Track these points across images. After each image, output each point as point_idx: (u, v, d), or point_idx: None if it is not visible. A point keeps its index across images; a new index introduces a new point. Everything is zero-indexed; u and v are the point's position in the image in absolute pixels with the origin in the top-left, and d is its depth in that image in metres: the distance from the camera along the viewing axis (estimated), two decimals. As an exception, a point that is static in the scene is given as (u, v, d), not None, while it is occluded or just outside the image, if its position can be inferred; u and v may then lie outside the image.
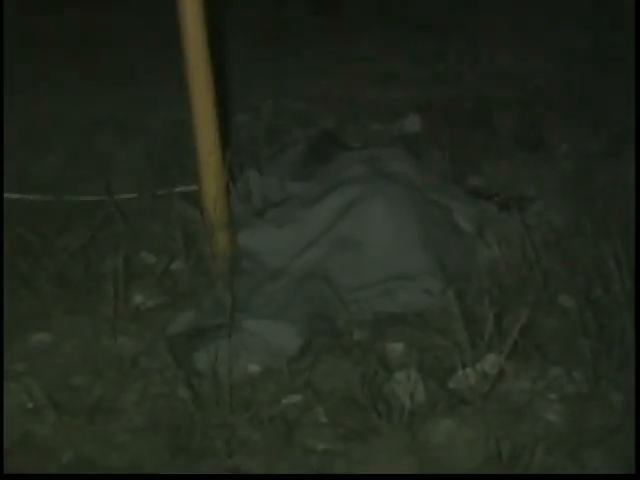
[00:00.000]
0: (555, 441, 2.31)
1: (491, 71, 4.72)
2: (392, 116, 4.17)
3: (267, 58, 5.03)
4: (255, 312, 2.79)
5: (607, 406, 2.42)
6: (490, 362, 2.53)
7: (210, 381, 2.52)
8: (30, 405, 2.50)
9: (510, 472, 2.22)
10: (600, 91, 4.29)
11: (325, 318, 2.81)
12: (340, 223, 3.04)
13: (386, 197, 3.07)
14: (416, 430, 2.36)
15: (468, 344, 2.55)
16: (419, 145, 3.80)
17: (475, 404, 2.44)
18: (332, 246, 3.00)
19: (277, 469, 2.29)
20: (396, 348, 2.68)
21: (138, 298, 2.94)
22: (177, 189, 3.52)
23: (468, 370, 2.50)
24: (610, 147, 3.77)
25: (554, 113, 4.12)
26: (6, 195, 3.50)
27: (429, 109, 4.20)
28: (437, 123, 4.01)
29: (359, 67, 4.92)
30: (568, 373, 2.52)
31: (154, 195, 3.52)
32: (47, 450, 2.37)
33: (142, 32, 5.50)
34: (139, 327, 2.82)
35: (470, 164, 3.66)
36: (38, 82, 4.75)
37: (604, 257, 2.76)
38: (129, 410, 2.50)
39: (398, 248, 2.99)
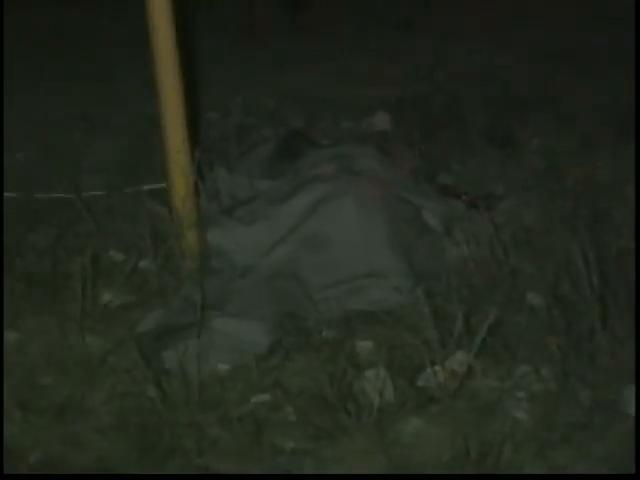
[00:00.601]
0: (523, 439, 2.32)
1: (460, 69, 4.73)
2: (362, 114, 4.17)
3: (237, 56, 5.02)
4: (224, 310, 2.78)
5: (575, 403, 2.43)
6: (459, 360, 2.53)
7: (179, 380, 2.52)
8: (-4, 405, 2.49)
9: (479, 470, 2.22)
10: (569, 89, 4.31)
11: (294, 316, 2.80)
12: (309, 221, 3.04)
13: (355, 195, 3.07)
14: (385, 428, 2.36)
15: (437, 342, 2.56)
16: (389, 143, 3.79)
17: (444, 402, 2.44)
18: (301, 244, 3.00)
19: (247, 469, 2.29)
20: (365, 346, 2.68)
21: (106, 296, 2.92)
22: (146, 187, 3.50)
23: (437, 368, 2.51)
24: (579, 144, 3.79)
25: (523, 111, 4.13)
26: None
27: (399, 107, 4.20)
28: (407, 121, 4.02)
29: (329, 65, 4.92)
30: (536, 371, 2.53)
31: (123, 193, 3.50)
32: (14, 450, 2.35)
33: (107, 29, 5.47)
34: (107, 326, 2.81)
35: (440, 162, 3.67)
36: (12, 80, 4.71)
37: (572, 255, 2.77)
38: (97, 409, 2.48)
39: (367, 246, 2.99)
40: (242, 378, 2.57)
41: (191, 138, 3.05)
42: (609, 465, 2.24)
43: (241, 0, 5.80)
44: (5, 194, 3.52)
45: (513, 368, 2.55)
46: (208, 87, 4.36)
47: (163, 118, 3.01)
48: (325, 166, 3.25)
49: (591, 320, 2.62)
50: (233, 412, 2.43)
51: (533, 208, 3.30)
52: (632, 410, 2.37)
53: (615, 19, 4.93)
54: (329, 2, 5.87)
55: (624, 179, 3.40)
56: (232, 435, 2.38)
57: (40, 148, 4.01)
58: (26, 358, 2.69)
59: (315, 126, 4.11)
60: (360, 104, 4.32)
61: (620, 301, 2.66)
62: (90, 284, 2.87)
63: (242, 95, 4.42)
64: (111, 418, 2.45)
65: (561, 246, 2.97)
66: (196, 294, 2.78)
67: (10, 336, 2.77)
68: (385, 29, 5.40)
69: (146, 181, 3.52)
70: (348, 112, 4.24)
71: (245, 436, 2.37)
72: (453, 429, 2.35)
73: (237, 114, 4.19)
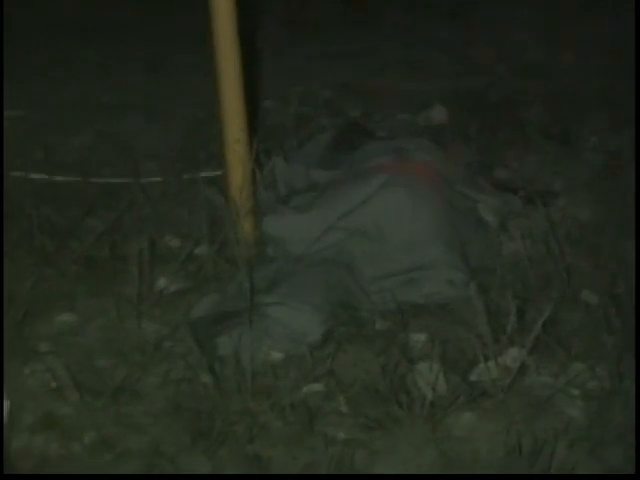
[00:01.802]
0: (576, 437, 2.31)
1: (520, 63, 4.69)
2: (419, 106, 4.16)
3: (294, 45, 5.03)
4: (278, 298, 2.79)
5: (630, 403, 2.41)
6: (512, 356, 2.52)
7: (232, 367, 2.53)
8: (54, 385, 2.52)
9: (531, 467, 2.22)
10: (630, 86, 4.26)
11: (348, 307, 2.80)
12: (364, 211, 3.03)
13: (410, 187, 3.06)
14: (437, 422, 2.36)
15: (490, 337, 2.55)
16: (445, 136, 3.78)
17: (496, 397, 2.44)
18: (355, 234, 3.00)
19: (297, 457, 2.30)
20: (418, 339, 2.68)
21: (162, 282, 2.94)
22: (203, 174, 3.52)
23: (490, 363, 2.50)
24: (636, 142, 3.75)
25: (582, 107, 4.10)
26: (33, 175, 3.52)
27: (456, 100, 4.18)
28: (464, 114, 4.00)
29: (386, 56, 4.91)
30: (591, 369, 2.51)
31: (180, 179, 3.53)
32: (69, 430, 2.39)
33: (166, 20, 5.50)
34: (163, 311, 2.83)
35: (496, 157, 3.65)
36: (59, 66, 4.76)
37: (628, 254, 2.75)
38: (151, 393, 2.51)
39: (421, 238, 2.98)
40: (295, 367, 2.58)
41: (249, 127, 3.07)
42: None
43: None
44: (62, 178, 3.56)
45: (567, 365, 2.53)
46: (265, 77, 4.37)
47: (222, 107, 3.03)
48: (381, 158, 3.25)
49: (646, 320, 2.61)
50: (285, 400, 2.44)
51: (590, 206, 3.28)
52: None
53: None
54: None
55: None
56: (284, 423, 2.39)
57: (96, 133, 4.05)
58: (83, 340, 2.72)
59: (371, 118, 4.10)
60: (416, 96, 4.31)
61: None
62: (147, 269, 2.89)
63: (298, 85, 4.43)
64: (165, 403, 2.47)
65: (617, 245, 2.95)
66: (250, 282, 2.81)
67: (67, 318, 2.81)
68: (442, 21, 5.37)
69: (203, 168, 3.54)
70: (404, 104, 4.23)
71: (297, 425, 2.38)
72: (505, 425, 2.35)
73: (294, 104, 4.20)
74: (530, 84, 4.37)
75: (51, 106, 4.26)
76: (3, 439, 2.37)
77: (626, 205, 3.18)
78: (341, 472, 2.24)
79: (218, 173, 3.30)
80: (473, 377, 2.51)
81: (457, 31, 5.16)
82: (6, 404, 2.41)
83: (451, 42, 5.03)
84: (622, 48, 4.70)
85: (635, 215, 3.02)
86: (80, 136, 4.01)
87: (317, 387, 2.50)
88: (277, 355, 2.62)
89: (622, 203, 3.22)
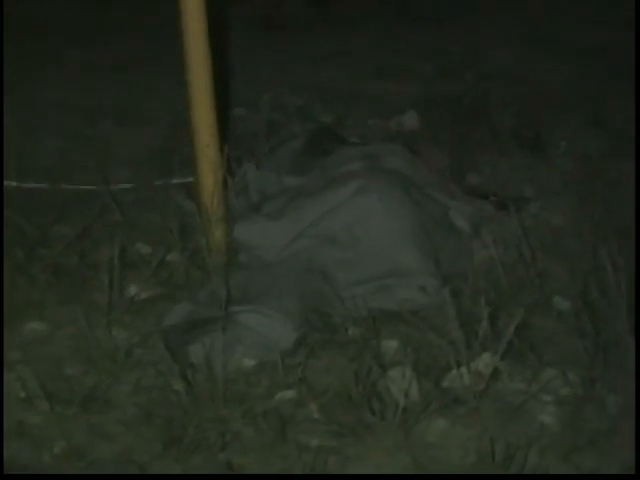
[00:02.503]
0: (549, 443, 2.31)
1: (491, 68, 4.70)
2: (391, 111, 4.16)
3: (265, 51, 5.02)
4: (251, 306, 2.78)
5: (602, 409, 2.41)
6: (485, 362, 2.52)
7: (205, 374, 2.52)
8: (23, 394, 2.49)
9: (504, 473, 2.22)
10: (600, 90, 4.29)
11: (321, 313, 2.80)
12: (336, 218, 3.03)
13: (383, 193, 3.06)
14: (410, 428, 2.36)
15: (463, 343, 2.55)
16: (417, 142, 3.79)
17: (469, 404, 2.44)
18: (327, 240, 3.00)
19: (270, 465, 2.29)
20: (391, 345, 2.67)
21: (133, 289, 2.93)
22: (174, 180, 3.51)
23: (463, 369, 2.50)
24: (610, 147, 3.77)
25: (553, 111, 4.11)
26: (4, 183, 3.49)
27: (428, 105, 4.19)
28: (436, 120, 4.00)
29: (357, 61, 4.91)
30: (563, 375, 2.52)
31: (151, 186, 3.51)
32: (39, 439, 2.37)
33: (140, 21, 5.48)
34: (134, 318, 2.82)
35: (468, 162, 3.65)
36: (37, 68, 4.73)
37: (601, 259, 2.75)
38: (122, 401, 2.49)
39: (394, 245, 2.98)
40: (267, 374, 2.57)
41: (220, 133, 3.05)
42: (635, 471, 2.22)
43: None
44: (33, 185, 3.53)
45: (539, 371, 2.54)
46: (236, 83, 4.36)
47: (193, 112, 3.02)
48: (353, 164, 3.25)
49: (619, 325, 2.61)
50: (258, 407, 2.43)
51: (562, 211, 3.29)
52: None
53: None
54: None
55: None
56: (256, 431, 2.38)
57: (69, 138, 4.02)
58: (52, 348, 2.70)
59: (343, 123, 4.10)
60: (389, 101, 4.32)
61: (648, 307, 2.65)
62: (117, 276, 2.87)
63: (270, 91, 4.41)
64: (136, 410, 2.45)
65: (589, 250, 2.95)
66: (222, 289, 2.80)
67: (37, 326, 2.78)
68: (414, 26, 5.38)
69: (175, 174, 3.53)
70: (377, 109, 4.23)
71: (269, 432, 2.37)
72: (478, 431, 2.35)
73: (265, 110, 4.19)
74: (502, 89, 4.38)
75: (26, 109, 4.23)
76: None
77: (598, 210, 3.19)
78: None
79: (190, 179, 3.29)
80: (446, 383, 2.51)
81: (432, 37, 5.16)
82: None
83: (425, 47, 5.04)
84: (589, 47, 4.74)
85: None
86: (53, 140, 3.99)
87: (290, 394, 2.49)
88: (249, 362, 2.61)
89: (594, 208, 3.23)
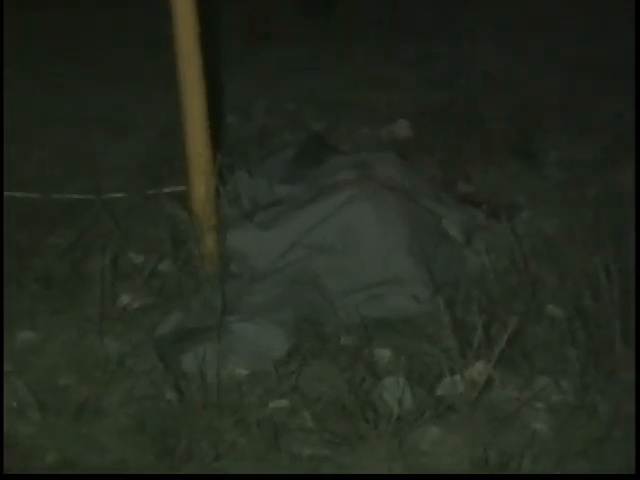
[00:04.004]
0: (542, 450, 2.31)
1: (480, 77, 4.71)
2: (382, 120, 4.17)
3: (257, 59, 5.02)
4: (243, 315, 2.78)
5: (594, 416, 2.41)
6: (478, 370, 2.52)
7: (197, 384, 2.52)
8: (15, 404, 2.49)
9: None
10: (590, 98, 4.29)
11: (313, 322, 2.80)
12: (329, 227, 3.03)
13: (375, 202, 3.06)
14: (403, 437, 2.36)
15: (456, 351, 2.54)
16: (409, 150, 3.79)
17: (463, 412, 2.44)
18: (320, 249, 2.99)
19: (263, 474, 2.28)
20: (384, 354, 2.67)
21: (125, 298, 2.92)
22: (166, 189, 3.50)
23: (456, 377, 2.50)
24: (600, 155, 3.77)
25: (544, 120, 4.12)
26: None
27: (420, 114, 4.19)
28: (427, 128, 4.01)
29: (349, 70, 4.91)
30: (555, 382, 2.52)
31: (143, 195, 3.51)
32: (31, 450, 2.36)
33: (127, 31, 5.48)
34: (126, 328, 2.81)
35: (460, 171, 3.66)
36: (24, 79, 4.72)
37: (593, 266, 2.76)
38: (115, 411, 2.48)
39: (386, 253, 2.98)
40: (260, 383, 2.57)
41: (212, 141, 3.05)
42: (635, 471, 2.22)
43: (260, 3, 5.79)
44: (24, 195, 3.52)
45: (532, 379, 2.53)
46: (228, 91, 4.36)
47: (185, 121, 3.02)
48: (345, 173, 3.25)
49: (611, 333, 2.61)
50: (251, 417, 2.42)
51: (554, 219, 3.29)
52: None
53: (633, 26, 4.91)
54: (350, 5, 5.86)
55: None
56: (249, 440, 2.37)
57: (59, 148, 4.02)
58: (44, 359, 2.69)
59: (335, 131, 4.10)
60: (380, 110, 4.32)
61: (641, 314, 2.65)
62: (109, 286, 2.87)
63: (262, 99, 4.42)
64: (129, 420, 2.44)
65: (582, 257, 2.95)
66: (215, 298, 2.79)
67: (28, 336, 2.78)
68: (405, 35, 5.38)
69: (166, 183, 3.52)
70: (368, 118, 4.23)
71: (263, 441, 2.36)
72: (472, 439, 2.35)
73: (258, 118, 4.19)
74: (493, 98, 4.38)
75: (11, 120, 4.22)
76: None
77: (590, 217, 3.20)
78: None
79: (182, 188, 3.28)
80: (439, 391, 2.50)
81: (424, 47, 5.16)
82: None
83: (417, 57, 5.04)
84: (575, 56, 4.75)
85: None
86: (41, 150, 3.98)
87: (283, 403, 2.49)
88: (242, 372, 2.61)
89: (586, 216, 3.23)
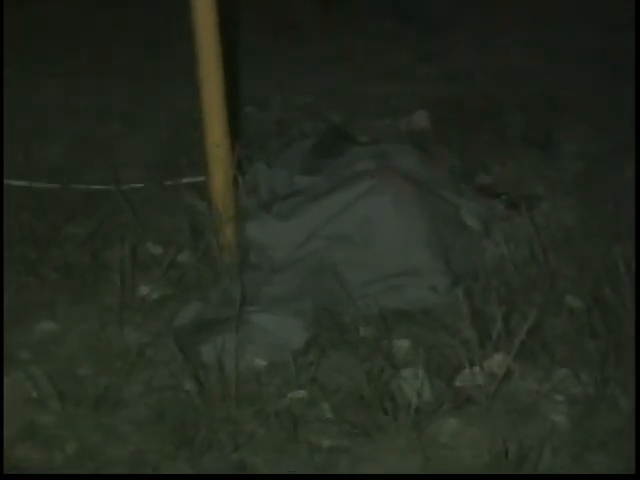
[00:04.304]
0: (561, 442, 2.30)
1: (501, 69, 4.69)
2: (400, 112, 4.16)
3: (276, 51, 5.01)
4: (262, 305, 2.78)
5: (614, 408, 2.41)
6: (497, 362, 2.52)
7: (216, 374, 2.52)
8: (35, 394, 2.50)
9: (516, 472, 2.21)
10: (609, 91, 4.27)
11: (332, 313, 2.80)
12: (348, 217, 3.03)
13: (394, 192, 3.06)
14: (422, 428, 2.35)
15: (475, 343, 2.54)
16: (428, 142, 3.78)
17: (481, 403, 2.43)
18: (339, 240, 2.99)
19: (282, 465, 2.29)
20: (403, 345, 2.67)
21: (144, 289, 2.93)
22: (185, 180, 3.50)
23: (475, 369, 2.49)
24: (619, 148, 3.75)
25: (563, 113, 4.10)
26: (13, 182, 3.49)
27: (437, 106, 4.18)
28: (446, 120, 4.00)
29: (369, 62, 4.90)
30: (575, 374, 2.51)
31: (162, 185, 3.51)
32: (51, 440, 2.37)
33: (142, 26, 5.47)
34: (145, 318, 2.81)
35: (478, 162, 3.64)
36: (37, 71, 4.73)
37: (613, 258, 2.75)
38: (134, 401, 2.49)
39: (405, 244, 2.97)
40: (279, 374, 2.57)
41: (231, 132, 3.05)
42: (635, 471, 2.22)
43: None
44: (43, 185, 3.53)
45: (552, 371, 2.53)
46: (247, 82, 4.36)
47: (204, 112, 3.01)
48: (364, 164, 3.25)
49: (631, 325, 2.60)
50: (270, 408, 2.43)
51: (573, 210, 3.29)
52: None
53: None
54: (366, 0, 5.85)
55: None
56: (268, 431, 2.38)
57: (76, 140, 4.02)
58: (64, 348, 2.70)
59: (354, 123, 4.09)
60: (398, 102, 4.31)
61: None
62: (128, 276, 2.88)
63: (280, 90, 4.42)
64: (148, 411, 2.45)
65: (601, 249, 2.94)
66: (234, 288, 2.79)
67: (48, 326, 2.79)
68: (421, 27, 5.36)
69: (185, 174, 3.53)
70: (386, 110, 4.22)
71: (281, 432, 2.36)
72: (491, 431, 2.34)
73: (276, 109, 4.19)
74: (510, 90, 4.37)
75: (30, 110, 4.23)
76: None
77: (609, 209, 3.19)
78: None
79: (200, 179, 3.29)
80: (458, 383, 2.50)
81: (440, 39, 5.15)
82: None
83: (434, 49, 5.03)
84: (591, 48, 4.73)
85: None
86: (59, 142, 3.99)
87: (301, 394, 2.49)
88: (261, 362, 2.61)
89: (604, 207, 3.22)
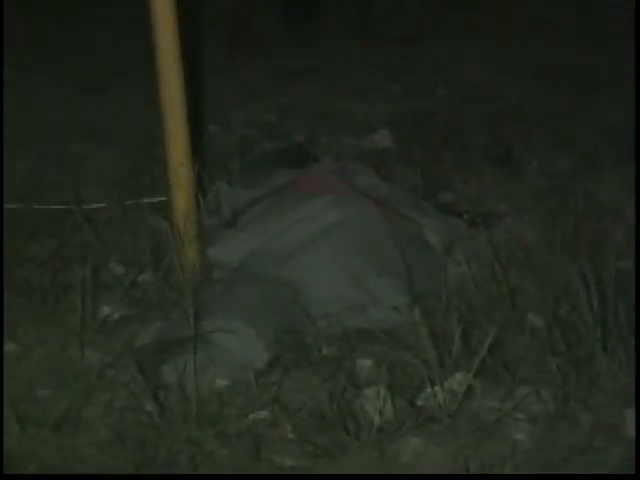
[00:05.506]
0: (523, 460, 2.30)
1: (462, 87, 4.73)
2: (363, 130, 4.17)
3: (238, 69, 5.02)
4: (223, 325, 2.77)
5: (575, 426, 2.41)
6: (458, 380, 2.52)
7: (177, 395, 2.50)
8: (-6, 417, 2.47)
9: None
10: (576, 108, 4.31)
11: (294, 332, 2.79)
12: (306, 231, 3.02)
13: (355, 209, 3.06)
14: (384, 447, 2.35)
15: (436, 362, 2.54)
16: (390, 160, 3.79)
17: (443, 422, 2.43)
18: (298, 255, 2.98)
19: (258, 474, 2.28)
20: (365, 364, 2.67)
21: (106, 309, 2.91)
22: (146, 200, 3.49)
23: (436, 388, 2.50)
24: (580, 164, 3.79)
25: (524, 129, 4.13)
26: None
27: (400, 124, 4.20)
28: (410, 138, 4.01)
29: (330, 79, 4.92)
30: (536, 392, 2.51)
31: (123, 205, 3.50)
32: (11, 462, 2.34)
33: (109, 42, 5.47)
34: (106, 339, 2.80)
35: (440, 180, 3.67)
36: (5, 87, 4.71)
37: (573, 275, 2.76)
38: (95, 423, 2.47)
39: (366, 262, 2.97)
40: (241, 394, 2.56)
41: (193, 151, 3.05)
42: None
43: (240, 13, 5.79)
44: (4, 205, 3.51)
45: (513, 389, 2.53)
46: (209, 101, 4.36)
47: (166, 131, 3.01)
48: (325, 179, 3.25)
49: (591, 342, 2.61)
50: (231, 428, 2.41)
51: (534, 228, 3.30)
52: (632, 433, 2.36)
53: (615, 36, 4.95)
54: (331, 16, 5.87)
55: (625, 200, 3.40)
56: (230, 451, 2.36)
57: (39, 158, 4.00)
58: (25, 370, 2.68)
59: (316, 141, 4.10)
60: (361, 120, 4.33)
61: (620, 323, 2.65)
62: (90, 297, 2.86)
63: (243, 109, 4.42)
64: (109, 432, 2.43)
65: (561, 266, 2.96)
66: (195, 309, 2.78)
67: (9, 347, 2.76)
68: (386, 45, 5.40)
69: (148, 193, 3.52)
70: (349, 128, 4.24)
71: (243, 452, 2.35)
72: (453, 449, 2.34)
73: (239, 127, 4.19)
74: (476, 106, 4.40)
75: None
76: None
77: (569, 226, 3.21)
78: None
79: (162, 199, 3.28)
80: (420, 402, 2.50)
81: (405, 57, 5.18)
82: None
83: (398, 67, 5.05)
84: (558, 65, 4.77)
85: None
86: (22, 159, 3.97)
87: (263, 414, 2.48)
88: (222, 382, 2.60)
89: (565, 225, 3.24)
